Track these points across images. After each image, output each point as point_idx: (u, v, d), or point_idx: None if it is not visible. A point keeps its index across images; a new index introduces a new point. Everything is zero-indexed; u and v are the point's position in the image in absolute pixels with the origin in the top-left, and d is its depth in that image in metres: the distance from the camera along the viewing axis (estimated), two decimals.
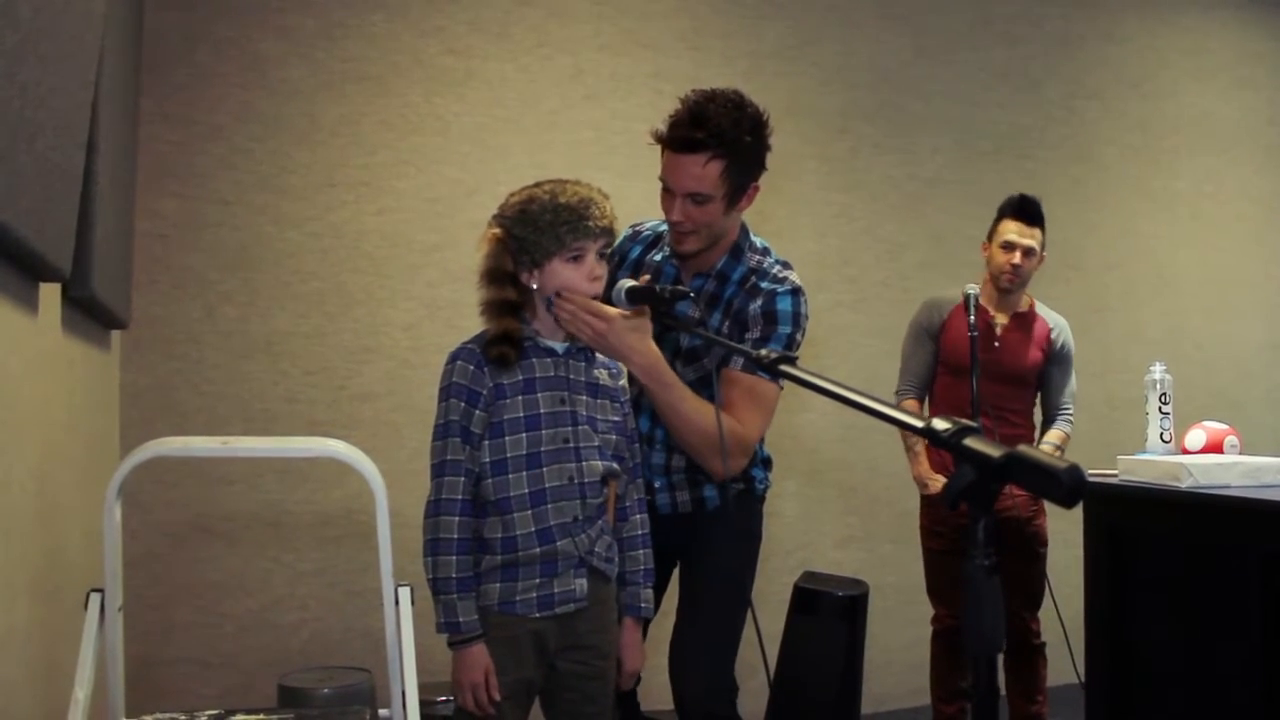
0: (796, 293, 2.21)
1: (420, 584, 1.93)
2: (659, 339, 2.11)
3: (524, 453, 1.90)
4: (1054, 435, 3.36)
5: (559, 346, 1.97)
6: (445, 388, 1.93)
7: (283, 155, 3.45)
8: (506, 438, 1.90)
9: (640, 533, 2.08)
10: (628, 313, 1.95)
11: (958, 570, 3.50)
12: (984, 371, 3.24)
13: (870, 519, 4.21)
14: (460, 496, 1.89)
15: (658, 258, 2.32)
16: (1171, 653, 2.59)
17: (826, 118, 4.21)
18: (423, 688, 1.98)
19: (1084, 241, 4.67)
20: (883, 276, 4.29)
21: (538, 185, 1.93)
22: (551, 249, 1.89)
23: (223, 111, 3.39)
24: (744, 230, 2.28)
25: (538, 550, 1.90)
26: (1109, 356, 4.66)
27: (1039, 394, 3.43)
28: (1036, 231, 3.33)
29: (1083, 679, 2.88)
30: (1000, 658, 3.46)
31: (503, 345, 1.89)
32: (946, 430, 1.07)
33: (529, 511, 1.90)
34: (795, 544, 4.04)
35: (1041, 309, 3.42)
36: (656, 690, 2.54)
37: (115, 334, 3.04)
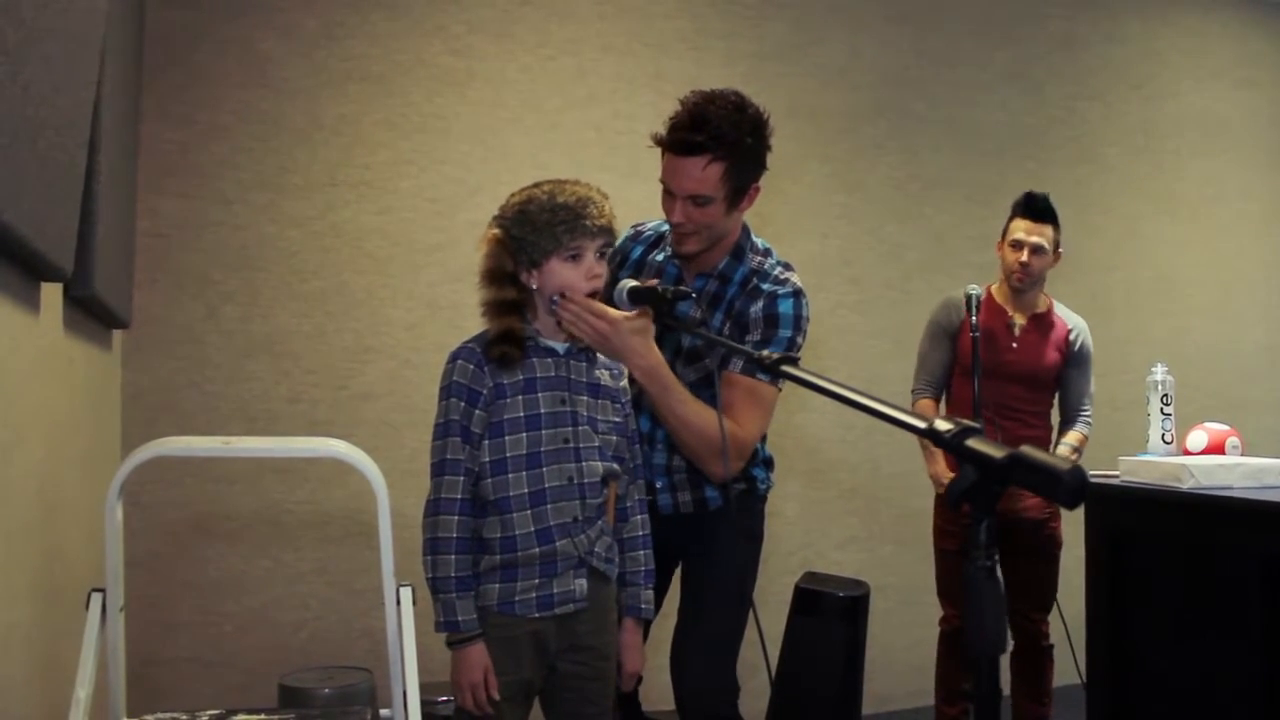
0: (798, 295, 2.21)
1: (421, 584, 1.93)
2: (660, 339, 2.10)
3: (524, 452, 1.90)
4: (1072, 437, 3.33)
5: (560, 346, 1.97)
6: (445, 387, 1.93)
7: (284, 154, 3.45)
8: (506, 437, 1.90)
9: (641, 533, 2.08)
10: (630, 314, 1.95)
11: None
12: (1001, 372, 3.23)
13: (871, 520, 4.21)
14: (459, 496, 1.89)
15: (659, 258, 2.32)
16: (1173, 653, 2.59)
17: (828, 119, 4.21)
18: (424, 688, 1.98)
19: (1086, 242, 4.66)
20: (885, 277, 4.29)
21: (536, 185, 1.93)
22: (550, 248, 1.89)
23: (224, 111, 3.39)
24: (746, 231, 2.28)
25: (537, 550, 1.90)
26: (1111, 357, 4.65)
27: (1057, 395, 3.41)
28: (1046, 228, 3.31)
29: (1084, 679, 2.88)
30: (1007, 659, 3.49)
31: (505, 345, 1.89)
32: (949, 431, 1.07)
33: (528, 511, 1.89)
34: (796, 544, 4.03)
35: (1061, 310, 3.41)
36: (658, 690, 2.54)
37: (117, 334, 3.04)
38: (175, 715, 1.89)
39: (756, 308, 2.18)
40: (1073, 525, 2.92)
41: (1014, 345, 3.30)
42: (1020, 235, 3.30)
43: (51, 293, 1.90)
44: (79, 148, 1.82)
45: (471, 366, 1.91)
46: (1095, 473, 2.88)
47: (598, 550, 1.97)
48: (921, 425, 1.13)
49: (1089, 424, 3.35)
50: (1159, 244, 4.82)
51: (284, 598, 3.39)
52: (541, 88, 3.77)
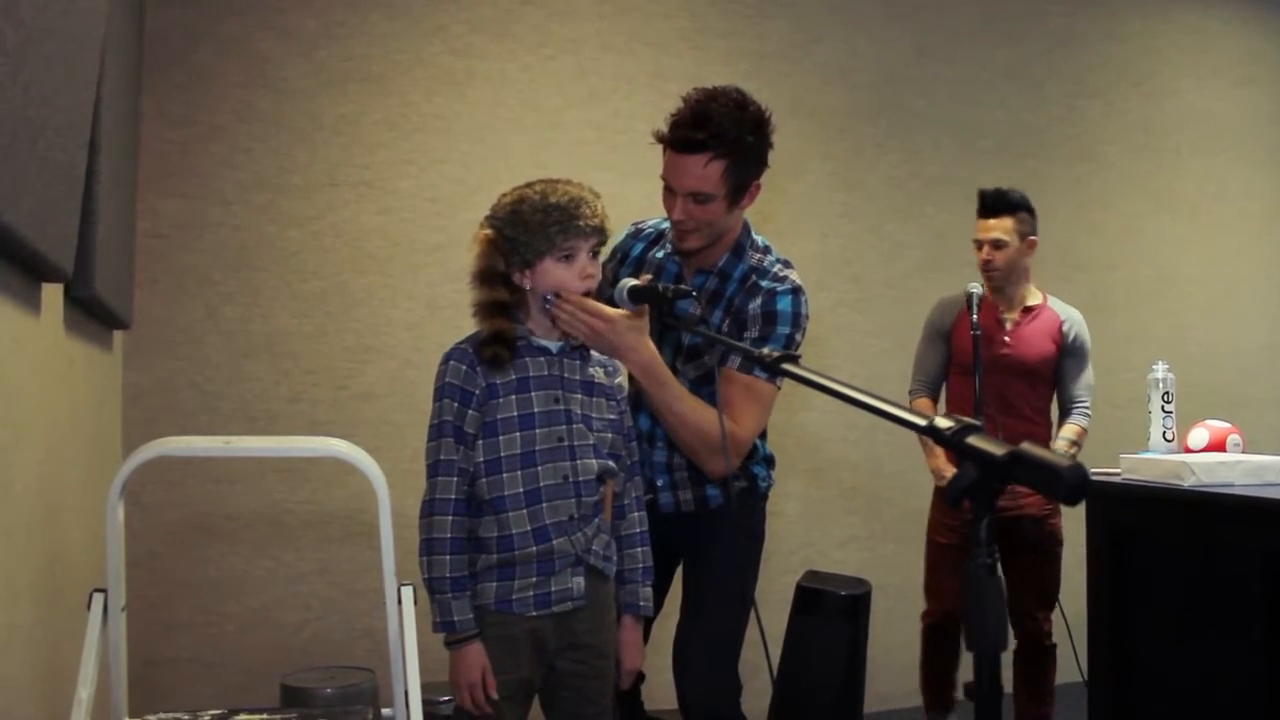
0: (796, 292, 2.21)
1: (422, 583, 1.93)
2: (660, 337, 2.10)
3: (518, 452, 1.90)
4: (1069, 430, 3.34)
5: (553, 345, 1.97)
6: (439, 388, 1.93)
7: (284, 155, 3.45)
8: (500, 437, 1.90)
9: (638, 530, 2.08)
10: (625, 312, 1.95)
11: (960, 566, 3.50)
12: (997, 368, 3.23)
13: (873, 518, 4.20)
14: (454, 496, 1.89)
15: (659, 255, 2.32)
16: (1174, 651, 2.59)
17: (829, 117, 4.21)
18: (425, 687, 1.98)
19: (1086, 241, 4.67)
20: (885, 276, 4.29)
21: (529, 185, 1.93)
22: (543, 249, 1.89)
23: (224, 111, 3.39)
24: (746, 228, 2.28)
25: (534, 549, 1.90)
26: (1111, 356, 4.65)
27: (1056, 389, 3.42)
28: (1001, 221, 3.31)
29: (1086, 677, 2.88)
30: (1008, 657, 3.48)
31: (495, 346, 1.89)
32: (949, 428, 1.07)
33: (524, 511, 1.89)
34: (798, 543, 4.03)
35: (1054, 303, 3.41)
36: (660, 689, 2.54)
37: (117, 334, 3.05)
38: (177, 715, 1.89)
39: (755, 305, 2.18)
40: (1074, 523, 2.91)
41: (1007, 340, 3.31)
42: (978, 234, 3.34)
43: (52, 293, 1.90)
44: (79, 148, 1.82)
45: (464, 367, 1.91)
46: (1096, 470, 2.87)
47: (595, 548, 1.97)
48: (922, 423, 1.13)
49: (1087, 416, 3.35)
50: (1159, 242, 4.82)
51: (285, 598, 3.39)
52: (541, 87, 3.77)
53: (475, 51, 3.69)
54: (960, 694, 3.47)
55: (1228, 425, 2.82)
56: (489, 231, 1.92)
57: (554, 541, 1.90)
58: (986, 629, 1.02)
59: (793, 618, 2.68)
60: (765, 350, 1.56)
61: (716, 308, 2.24)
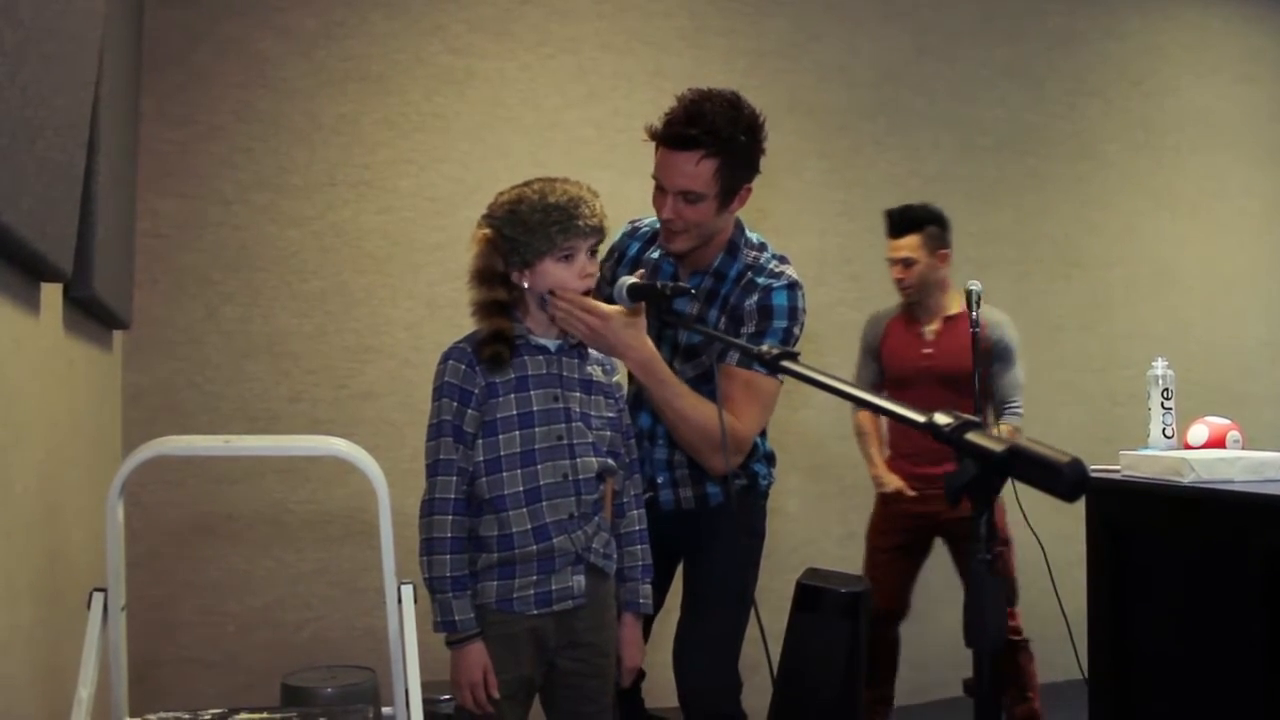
0: (793, 287, 2.20)
1: (422, 582, 1.93)
2: (659, 336, 2.10)
3: (518, 451, 1.90)
4: (1000, 431, 3.38)
5: (551, 344, 1.97)
6: (438, 387, 1.93)
7: (283, 154, 3.45)
8: (500, 436, 1.90)
9: (638, 528, 2.08)
10: (622, 310, 1.95)
11: (902, 567, 3.55)
12: (922, 378, 3.32)
13: None
14: (454, 495, 1.89)
15: (655, 254, 2.32)
16: (1174, 648, 2.59)
17: (828, 115, 4.21)
18: (426, 686, 1.98)
19: (1086, 238, 4.67)
20: (884, 274, 4.27)
21: (527, 184, 1.93)
22: (542, 249, 1.89)
23: (223, 111, 3.39)
24: (739, 227, 2.28)
25: (534, 548, 1.90)
26: (1111, 353, 4.66)
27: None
28: (907, 240, 3.38)
29: (1086, 674, 2.88)
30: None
31: (495, 345, 1.89)
32: (948, 425, 1.07)
33: (524, 509, 1.90)
34: (798, 541, 4.03)
35: (982, 311, 3.42)
36: (660, 688, 2.54)
37: (117, 334, 3.05)
38: (177, 715, 1.89)
39: (751, 301, 2.18)
40: (1073, 520, 2.91)
41: (928, 351, 3.39)
42: (888, 254, 3.44)
43: (51, 293, 1.90)
44: (78, 148, 1.82)
45: (463, 366, 1.91)
46: (1096, 467, 2.87)
47: (595, 546, 1.97)
48: (920, 419, 1.13)
49: (1018, 415, 3.39)
50: (1159, 240, 4.82)
51: (286, 597, 3.39)
52: (541, 86, 3.77)
53: (474, 51, 3.69)
54: (960, 691, 3.47)
55: (1227, 422, 2.82)
56: (487, 231, 1.92)
57: (554, 540, 1.91)
58: (984, 625, 1.02)
59: (793, 615, 2.68)
60: (765, 346, 1.56)
61: (713, 306, 2.24)
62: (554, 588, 1.92)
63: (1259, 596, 2.35)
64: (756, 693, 2.41)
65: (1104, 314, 4.68)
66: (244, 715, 1.93)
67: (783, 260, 2.27)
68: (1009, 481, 1.04)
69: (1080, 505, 2.94)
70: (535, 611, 1.91)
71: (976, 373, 3.14)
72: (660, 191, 2.15)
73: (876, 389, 3.49)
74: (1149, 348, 4.17)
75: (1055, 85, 4.62)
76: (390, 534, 1.86)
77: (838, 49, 4.23)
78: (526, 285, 1.92)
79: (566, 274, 1.91)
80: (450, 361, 1.93)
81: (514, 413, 1.91)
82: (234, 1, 3.41)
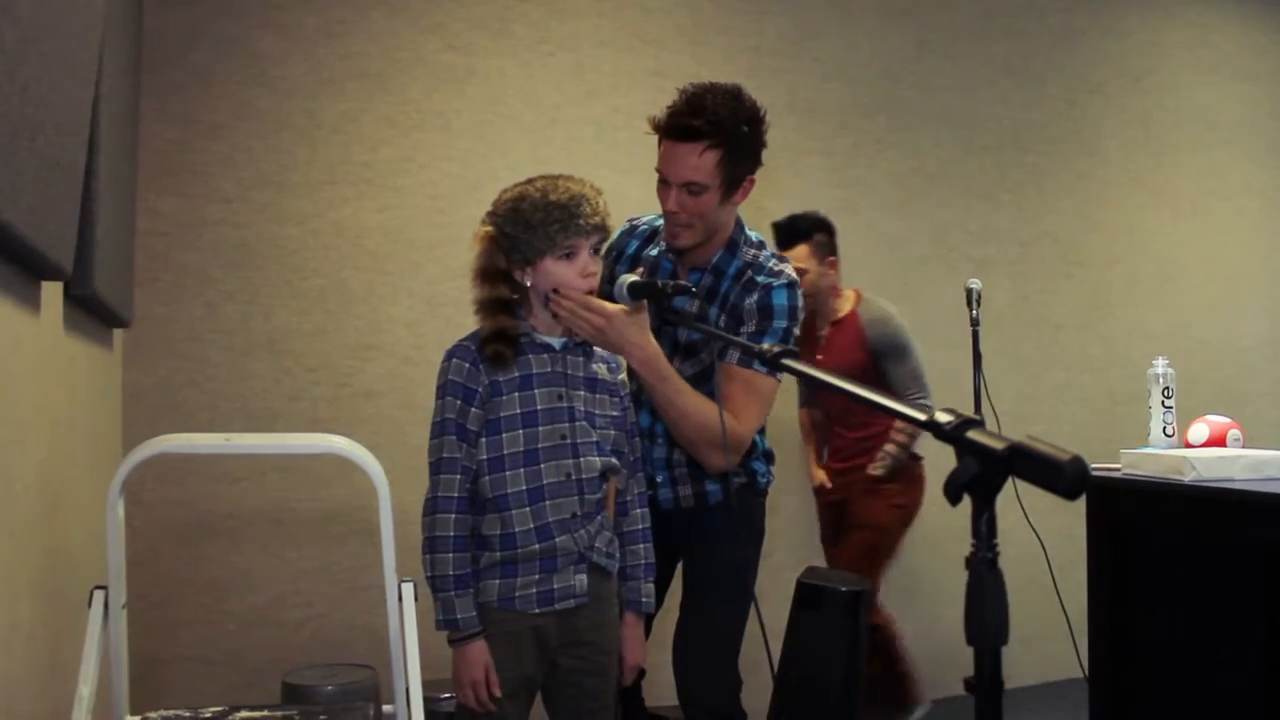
0: (792, 285, 2.21)
1: (423, 580, 1.94)
2: (657, 334, 2.11)
3: (521, 449, 1.90)
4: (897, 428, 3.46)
5: (556, 342, 1.97)
6: (441, 385, 1.93)
7: (283, 153, 3.45)
8: (504, 434, 1.90)
9: (641, 527, 2.08)
10: (625, 308, 1.96)
11: (832, 555, 3.51)
12: (818, 383, 3.31)
13: None
14: (457, 494, 1.89)
15: (654, 252, 2.32)
16: (1174, 646, 2.59)
17: (828, 113, 4.21)
18: (426, 684, 1.98)
19: (1086, 237, 4.66)
20: (884, 272, 4.29)
21: (529, 182, 1.92)
22: (544, 247, 1.89)
23: (223, 109, 3.39)
24: (739, 225, 2.28)
25: (537, 547, 1.90)
26: (1111, 351, 4.66)
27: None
28: (796, 250, 3.42)
29: (1086, 672, 2.88)
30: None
31: (498, 344, 1.89)
32: (949, 423, 1.07)
33: (527, 508, 1.90)
34: (797, 540, 4.03)
35: (863, 309, 3.50)
36: (660, 686, 2.54)
37: (117, 332, 3.04)
38: (178, 712, 1.89)
39: (751, 300, 2.19)
40: (1074, 518, 2.91)
41: (819, 356, 3.46)
42: None
43: (52, 292, 1.90)
44: (78, 147, 1.82)
45: (467, 365, 1.91)
46: (1097, 466, 2.87)
47: (598, 545, 1.97)
48: (920, 417, 1.13)
49: (916, 404, 3.40)
50: (1159, 238, 4.82)
51: (287, 595, 3.39)
52: (540, 84, 3.77)
53: (474, 48, 3.68)
54: (962, 689, 3.47)
55: (1228, 420, 2.82)
56: (490, 229, 1.92)
57: (557, 539, 1.91)
58: (985, 622, 1.01)
59: (793, 613, 2.68)
60: (764, 345, 1.56)
61: (712, 304, 2.24)
62: (556, 586, 1.92)
63: (1259, 595, 2.35)
64: (756, 690, 2.41)
65: (1104, 312, 4.68)
66: (244, 713, 1.93)
67: (781, 259, 2.28)
68: (1010, 479, 1.04)
69: (1081, 504, 2.94)
70: (537, 610, 1.92)
71: (977, 372, 3.14)
72: (664, 184, 2.16)
73: (809, 389, 3.62)
74: (1149, 346, 4.18)
75: (1055, 83, 4.62)
76: (391, 532, 1.86)
77: (838, 47, 4.22)
78: (529, 283, 1.92)
79: (569, 272, 1.91)
80: (454, 359, 1.93)
81: (518, 411, 1.91)
82: (233, 0, 3.40)
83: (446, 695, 2.90)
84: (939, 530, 4.20)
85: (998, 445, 1.01)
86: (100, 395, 2.71)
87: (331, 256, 3.49)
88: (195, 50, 3.36)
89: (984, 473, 1.03)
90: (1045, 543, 3.22)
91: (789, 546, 3.97)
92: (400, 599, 1.92)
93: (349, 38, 3.53)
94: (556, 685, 2.00)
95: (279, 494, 3.40)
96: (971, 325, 3.16)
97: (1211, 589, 2.50)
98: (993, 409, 3.17)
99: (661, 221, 2.29)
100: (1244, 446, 2.75)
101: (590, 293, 1.94)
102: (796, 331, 2.22)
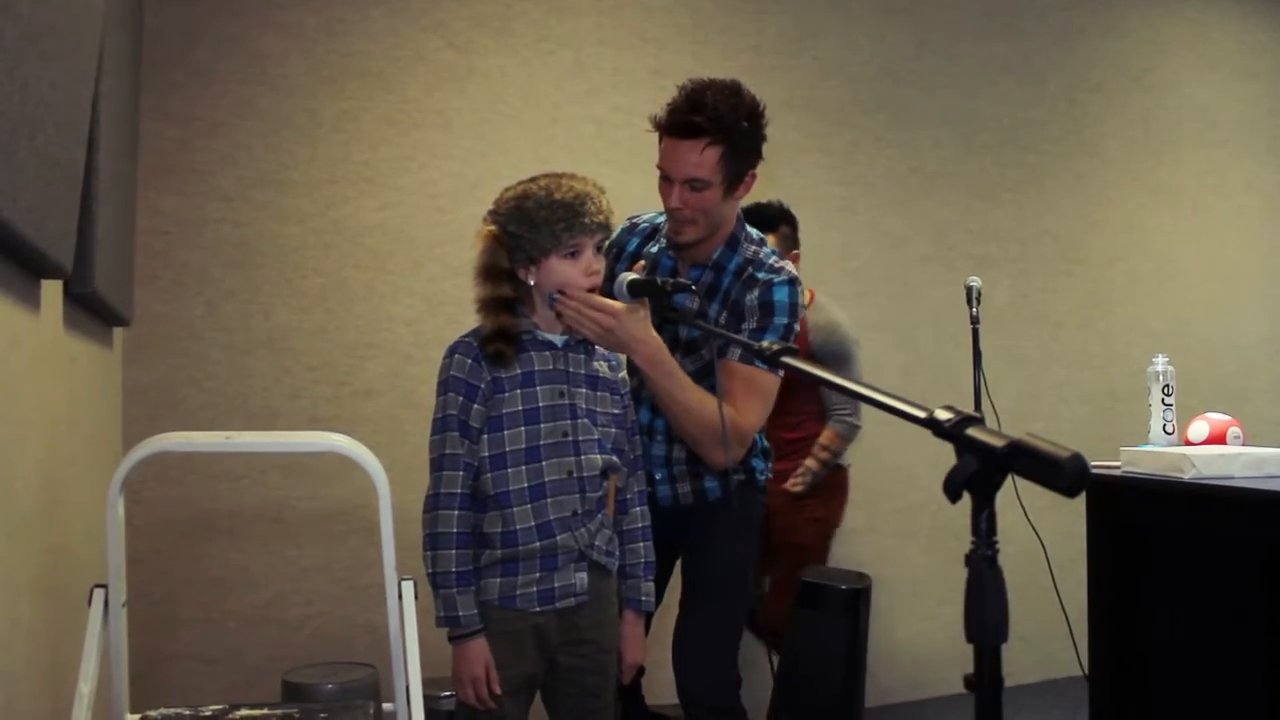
0: (793, 283, 2.22)
1: (423, 578, 1.94)
2: (659, 331, 2.11)
3: (523, 446, 1.90)
4: (823, 436, 3.39)
5: (558, 340, 1.97)
6: (443, 382, 1.93)
7: (284, 151, 3.45)
8: (505, 432, 1.90)
9: (640, 525, 2.09)
10: (627, 306, 1.96)
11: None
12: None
13: (873, 512, 4.20)
14: (459, 490, 1.89)
15: (654, 249, 2.32)
16: (1174, 644, 2.59)
17: (828, 111, 4.20)
18: (426, 682, 1.98)
19: (1086, 235, 4.66)
20: (885, 270, 4.29)
21: (533, 181, 1.93)
22: (548, 246, 1.89)
23: (223, 108, 3.39)
24: (740, 221, 2.29)
25: (537, 544, 1.90)
26: (1112, 349, 4.66)
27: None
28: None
29: (1086, 670, 2.88)
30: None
31: (499, 342, 1.89)
32: (949, 420, 1.07)
33: (528, 506, 1.90)
34: None
35: (813, 311, 3.41)
36: (661, 684, 2.54)
37: (117, 331, 3.05)
38: (178, 711, 1.89)
39: (752, 296, 2.19)
40: (1074, 516, 2.91)
41: None
42: None
43: (52, 290, 1.90)
44: (78, 145, 1.82)
45: (469, 361, 1.91)
46: (1097, 463, 2.88)
47: (598, 543, 1.97)
48: (921, 414, 1.13)
49: (843, 420, 3.38)
50: (1160, 236, 4.82)
51: (287, 594, 3.40)
52: (541, 82, 3.77)
53: (475, 47, 3.68)
54: (961, 687, 3.47)
55: (1228, 418, 2.82)
56: (493, 227, 1.92)
57: (557, 537, 1.91)
58: (985, 619, 1.01)
59: (793, 612, 2.68)
60: (765, 343, 1.56)
61: (713, 301, 2.25)
62: (557, 584, 1.92)
63: (1259, 592, 2.35)
64: (757, 688, 2.42)
65: (1104, 310, 4.68)
66: (245, 711, 1.93)
67: (781, 255, 2.28)
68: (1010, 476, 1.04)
69: (1081, 502, 2.94)
70: (538, 608, 1.92)
71: (977, 370, 3.14)
72: (666, 181, 2.16)
73: None
74: (1149, 344, 4.17)
75: (1055, 81, 4.62)
76: (391, 530, 1.86)
77: (838, 45, 4.22)
78: (532, 282, 1.92)
79: (572, 270, 1.91)
80: (456, 356, 1.93)
81: (519, 408, 1.91)
82: None
83: (447, 694, 2.90)
84: (939, 528, 4.21)
85: (997, 442, 1.01)
86: (100, 394, 2.71)
87: (332, 255, 3.49)
88: (195, 48, 3.36)
89: (984, 470, 1.03)
90: (1045, 540, 3.22)
91: None
92: (400, 597, 1.92)
93: (349, 36, 3.53)
94: (556, 683, 2.00)
95: (279, 492, 3.40)
96: (971, 323, 3.15)
97: (1211, 586, 2.51)
98: (993, 407, 3.17)
99: (662, 219, 2.29)
100: (1244, 444, 2.75)
101: (592, 291, 1.94)
102: (797, 328, 2.22)
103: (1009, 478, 1.03)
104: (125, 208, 2.73)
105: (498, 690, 1.89)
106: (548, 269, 1.91)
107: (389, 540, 1.87)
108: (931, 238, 4.35)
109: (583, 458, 1.94)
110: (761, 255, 2.25)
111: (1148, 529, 2.70)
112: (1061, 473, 0.95)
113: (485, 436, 1.91)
